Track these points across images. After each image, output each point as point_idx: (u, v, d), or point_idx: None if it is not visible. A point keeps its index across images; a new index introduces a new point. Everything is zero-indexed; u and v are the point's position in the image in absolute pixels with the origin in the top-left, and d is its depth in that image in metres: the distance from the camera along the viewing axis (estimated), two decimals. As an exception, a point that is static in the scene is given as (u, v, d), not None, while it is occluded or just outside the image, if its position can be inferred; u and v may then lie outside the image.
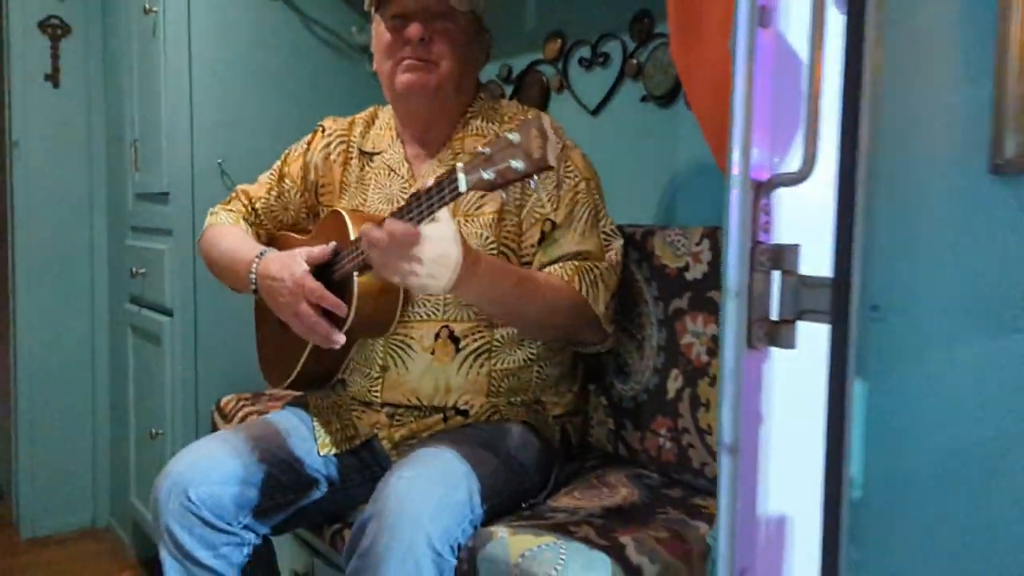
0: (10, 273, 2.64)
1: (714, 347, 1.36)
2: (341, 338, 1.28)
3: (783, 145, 1.01)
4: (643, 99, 1.75)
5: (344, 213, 1.36)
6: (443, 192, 1.09)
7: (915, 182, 0.87)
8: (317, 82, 2.24)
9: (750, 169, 0.98)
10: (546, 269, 1.36)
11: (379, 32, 1.43)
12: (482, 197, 1.38)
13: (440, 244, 1.11)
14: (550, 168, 1.04)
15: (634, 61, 1.76)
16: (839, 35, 0.89)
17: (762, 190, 0.99)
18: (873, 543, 0.91)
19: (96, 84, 2.63)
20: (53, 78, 2.58)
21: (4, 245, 2.64)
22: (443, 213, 1.11)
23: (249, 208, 1.60)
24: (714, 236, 1.38)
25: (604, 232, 1.41)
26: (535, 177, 1.06)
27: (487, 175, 1.05)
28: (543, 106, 1.98)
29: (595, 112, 1.86)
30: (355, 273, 1.29)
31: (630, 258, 1.50)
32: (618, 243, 1.42)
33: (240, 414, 1.87)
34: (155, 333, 2.20)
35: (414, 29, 1.35)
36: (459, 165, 1.07)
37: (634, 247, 1.51)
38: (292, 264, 1.33)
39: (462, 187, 1.06)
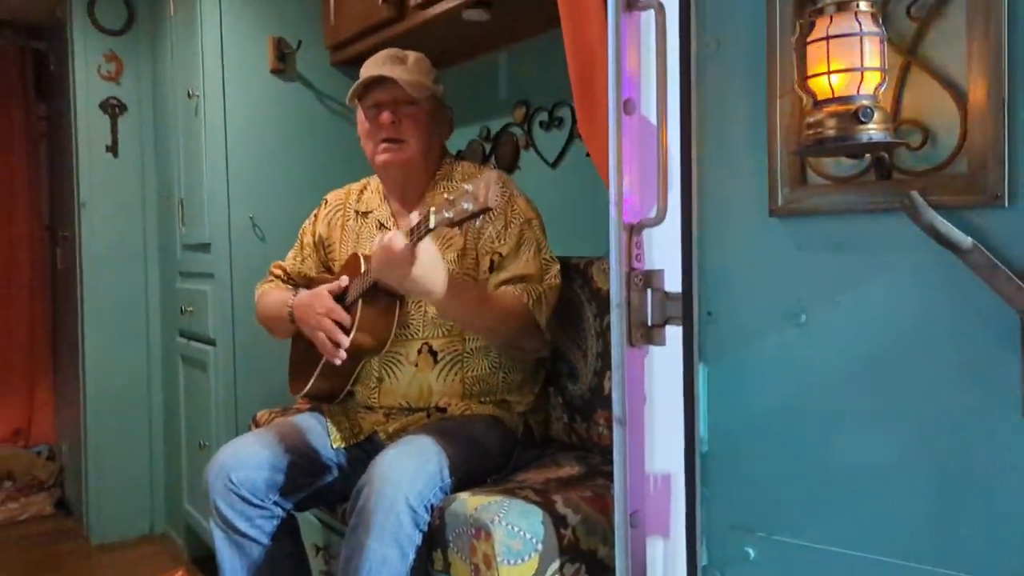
0: (79, 314, 3.09)
1: (637, 352, 1.71)
2: (343, 351, 1.67)
3: (648, 199, 1.37)
4: (587, 154, 2.12)
5: (360, 254, 1.77)
6: (420, 229, 1.45)
7: (726, 224, 1.22)
8: (328, 147, 2.65)
9: (623, 216, 1.35)
10: (500, 289, 1.71)
11: (360, 120, 1.84)
12: (449, 239, 1.76)
13: (430, 257, 1.47)
14: (489, 210, 1.41)
15: (581, 123, 2.15)
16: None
17: (634, 231, 1.35)
18: (715, 483, 1.23)
19: (148, 153, 3.09)
20: (113, 149, 3.05)
21: (75, 290, 3.10)
22: (427, 242, 1.47)
23: (283, 274, 2.04)
24: (634, 264, 1.74)
25: (544, 259, 1.77)
26: (481, 216, 1.44)
27: (448, 214, 1.43)
28: (515, 160, 2.37)
29: (553, 165, 2.25)
30: (359, 299, 1.69)
31: (575, 283, 1.88)
32: (555, 268, 1.77)
33: (272, 425, 2.26)
34: (202, 360, 2.62)
35: (385, 116, 1.75)
36: (432, 209, 1.46)
37: (578, 274, 1.88)
38: (319, 292, 1.75)
39: (431, 224, 1.43)
